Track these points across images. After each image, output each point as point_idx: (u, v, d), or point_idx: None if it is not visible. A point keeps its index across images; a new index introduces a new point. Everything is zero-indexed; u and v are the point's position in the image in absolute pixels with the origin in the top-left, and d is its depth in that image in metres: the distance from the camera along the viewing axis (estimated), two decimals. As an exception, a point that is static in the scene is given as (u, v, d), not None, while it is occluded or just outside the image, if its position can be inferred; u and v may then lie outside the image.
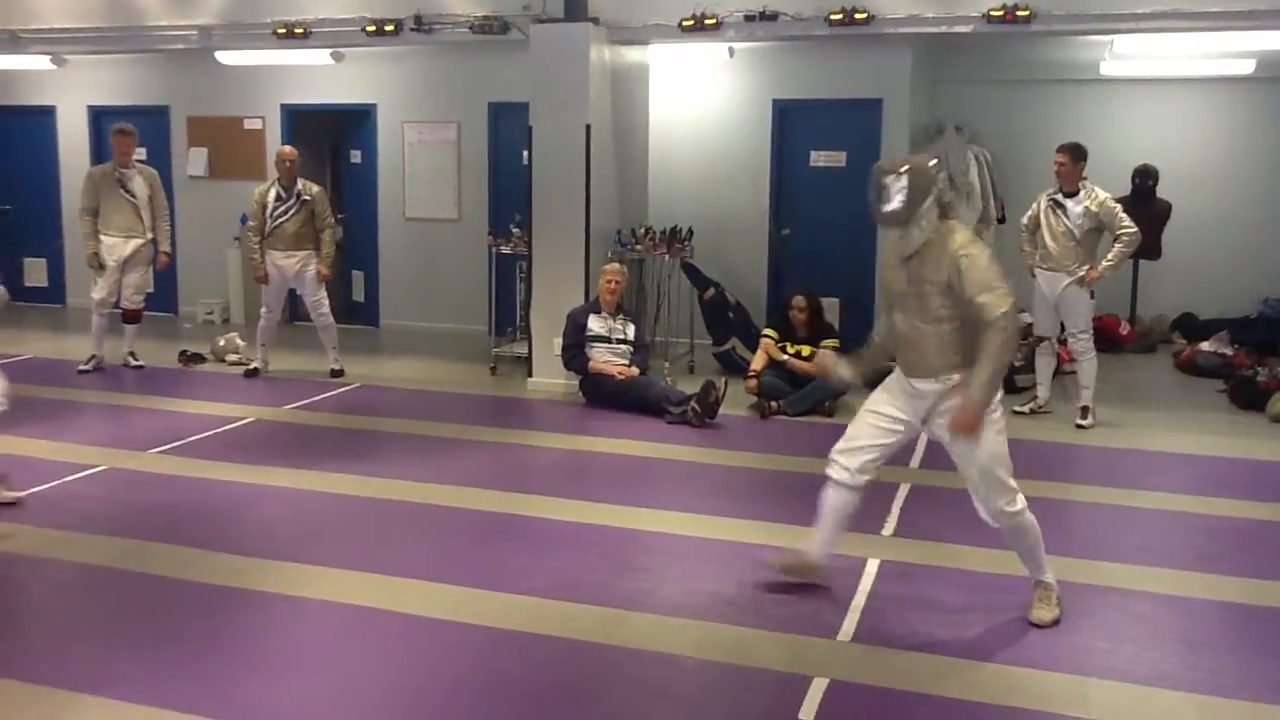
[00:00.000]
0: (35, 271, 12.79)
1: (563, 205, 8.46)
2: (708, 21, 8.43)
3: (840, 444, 4.55)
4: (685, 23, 8.49)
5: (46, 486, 6.06)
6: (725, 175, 10.25)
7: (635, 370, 8.02)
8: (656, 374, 8.42)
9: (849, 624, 4.41)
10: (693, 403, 7.53)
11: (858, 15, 8.15)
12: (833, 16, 8.20)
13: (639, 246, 8.87)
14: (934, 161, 4.33)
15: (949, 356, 4.19)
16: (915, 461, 6.63)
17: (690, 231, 9.12)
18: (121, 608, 4.61)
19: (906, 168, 4.16)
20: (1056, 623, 4.38)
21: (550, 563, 5.07)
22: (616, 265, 8.27)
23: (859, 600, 4.63)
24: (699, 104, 10.19)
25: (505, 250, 9.35)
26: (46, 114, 12.49)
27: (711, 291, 9.42)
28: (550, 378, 8.54)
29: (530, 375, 8.74)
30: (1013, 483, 4.27)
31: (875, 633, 4.33)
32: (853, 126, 9.90)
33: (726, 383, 7.72)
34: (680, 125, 10.20)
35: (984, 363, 4.05)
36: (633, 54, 9.25)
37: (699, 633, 4.34)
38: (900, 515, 5.74)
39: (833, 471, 4.53)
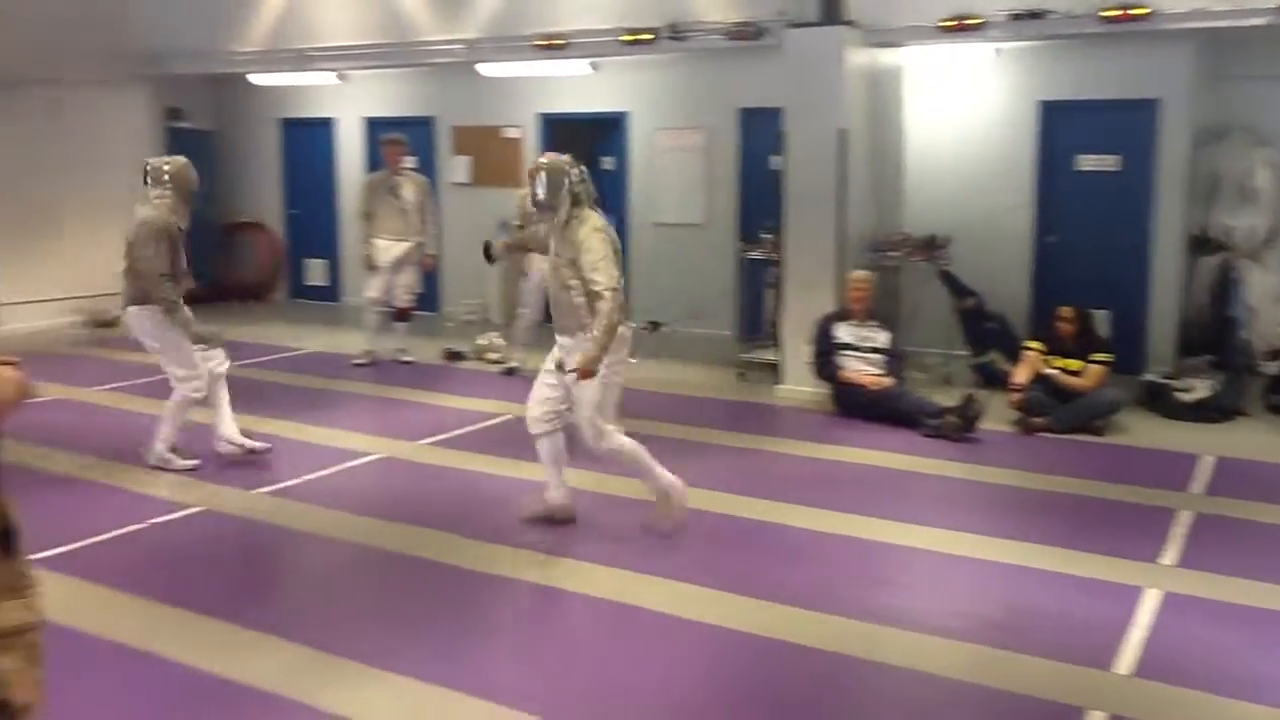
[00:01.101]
0: (315, 271, 13.75)
1: (815, 211, 8.36)
2: (970, 21, 8.14)
3: (529, 403, 5.52)
4: (945, 23, 8.23)
5: (328, 471, 6.49)
6: (986, 180, 9.86)
7: (888, 380, 7.83)
8: (910, 384, 8.19)
9: (1125, 656, 4.13)
10: (951, 415, 7.27)
11: (1135, 11, 7.68)
12: (1106, 13, 7.76)
13: (893, 253, 8.66)
14: (567, 159, 5.34)
15: (577, 318, 5.17)
16: (1199, 487, 6.17)
17: (948, 239, 8.82)
18: (395, 587, 4.87)
19: (545, 165, 5.24)
20: (674, 524, 5.40)
21: (801, 571, 5.00)
22: (864, 273, 8.11)
23: (1136, 632, 4.34)
24: (958, 106, 9.85)
25: (755, 256, 9.33)
26: (327, 125, 13.41)
27: (970, 301, 9.07)
28: (799, 385, 8.45)
29: (779, 382, 8.68)
30: (606, 426, 5.29)
31: (1154, 667, 4.04)
32: (1126, 128, 9.32)
33: (985, 396, 7.41)
34: (938, 128, 9.89)
35: (595, 325, 5.02)
36: (889, 56, 9.06)
37: (963, 655, 4.17)
38: (1184, 544, 5.34)
39: (531, 428, 5.48)
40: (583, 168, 5.35)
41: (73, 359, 10.10)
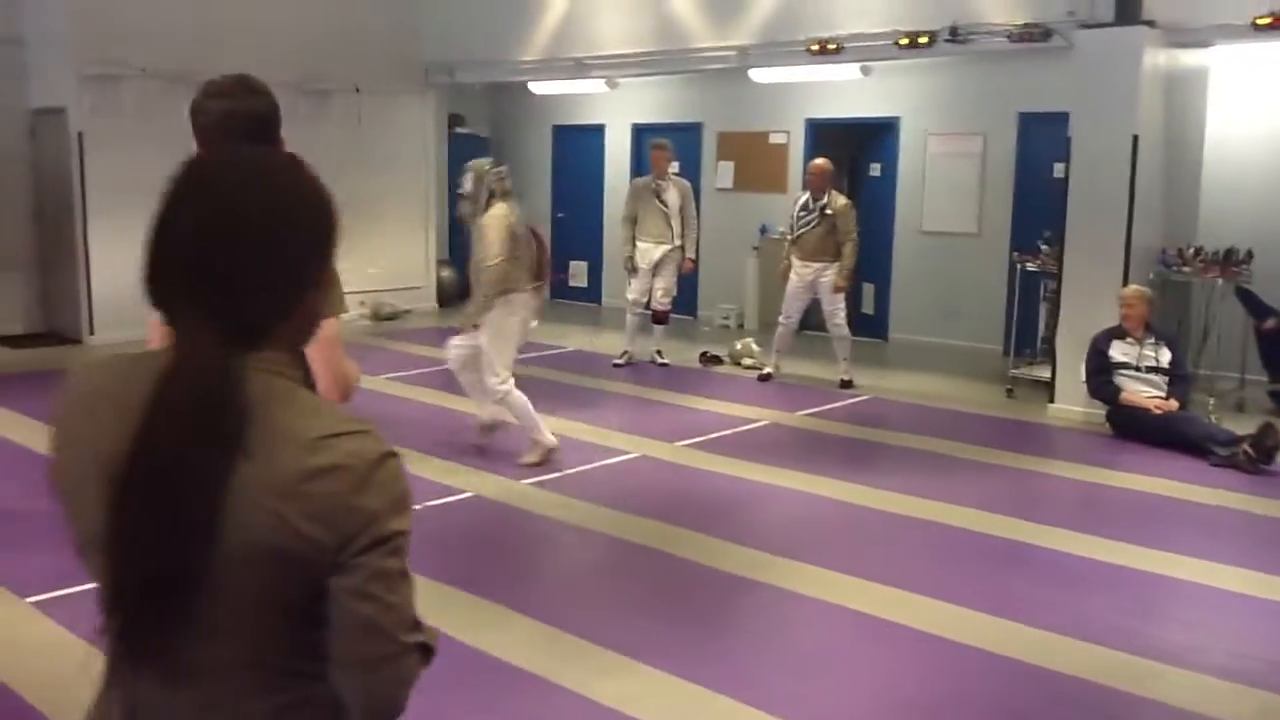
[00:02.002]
0: (578, 273, 14.18)
1: (1101, 221, 7.88)
2: (1290, 18, 7.44)
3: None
4: (1260, 20, 7.55)
5: (588, 466, 6.65)
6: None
7: (1174, 404, 7.27)
8: (1198, 409, 7.59)
9: None
10: (1245, 445, 6.68)
11: None
12: None
13: (1186, 268, 8.05)
14: (489, 161, 6.80)
15: (484, 287, 6.40)
16: None
17: (1249, 254, 8.11)
18: (649, 583, 4.92)
19: (470, 165, 6.67)
20: (539, 464, 6.47)
21: (1068, 598, 4.73)
22: (1136, 288, 7.56)
23: None
24: (1268, 110, 9.03)
25: (1030, 268, 8.89)
26: (597, 132, 13.81)
27: (1271, 322, 8.31)
28: (1073, 405, 7.99)
29: (1051, 400, 8.23)
30: (501, 372, 6.40)
31: None
32: None
33: (1287, 426, 6.77)
34: (1243, 134, 9.10)
35: (476, 290, 6.52)
36: (1190, 57, 8.42)
37: (1255, 703, 3.81)
38: None
39: (490, 392, 6.55)
40: (502, 168, 6.70)
41: (362, 349, 10.83)
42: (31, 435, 7.18)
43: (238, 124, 2.54)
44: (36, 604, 4.44)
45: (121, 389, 1.29)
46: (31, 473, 6.48)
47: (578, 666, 4.00)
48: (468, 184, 6.59)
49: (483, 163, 6.75)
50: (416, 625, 1.33)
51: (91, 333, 10.47)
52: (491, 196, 6.52)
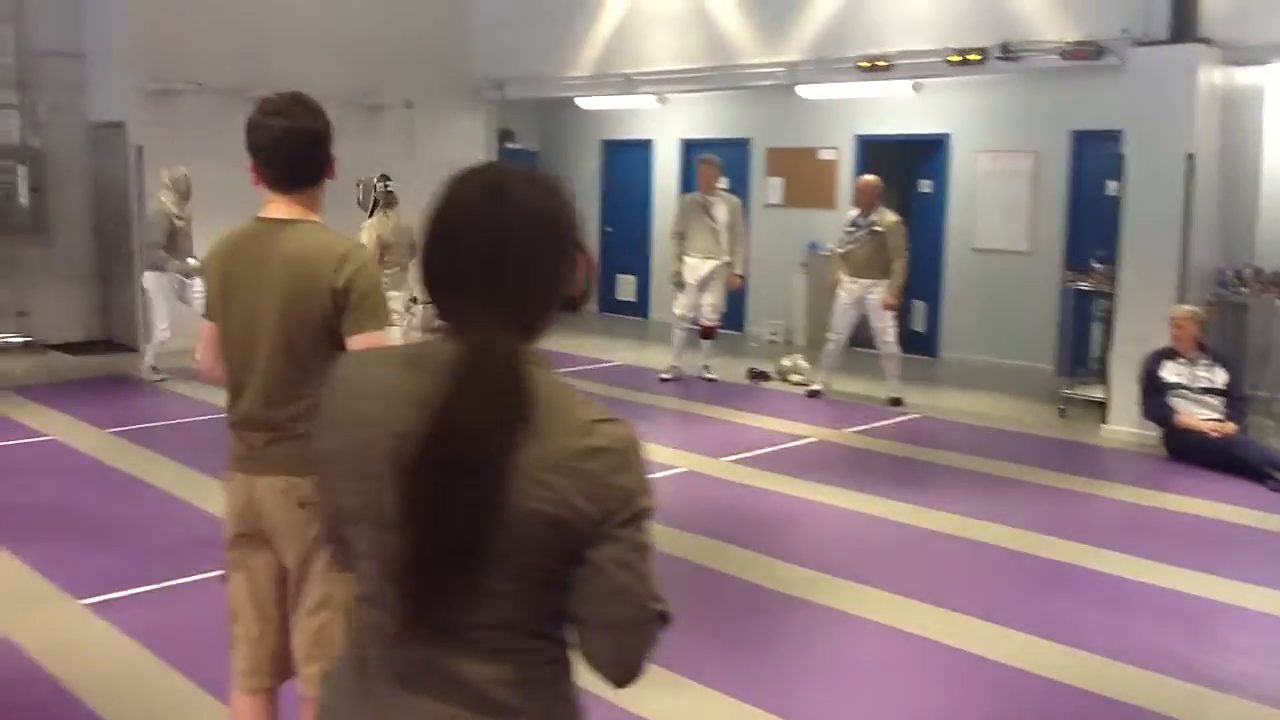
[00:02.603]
0: (625, 287, 14.22)
1: (1155, 241, 7.77)
2: (1352, 35, 7.32)
3: None
4: (1322, 38, 7.44)
5: (634, 479, 6.64)
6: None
7: (1231, 426, 7.15)
8: (1257, 432, 7.45)
9: None
10: (1305, 469, 6.55)
11: None
12: None
13: (1243, 289, 7.91)
14: (379, 176, 7.98)
15: None
16: None
17: (1309, 274, 7.96)
18: (696, 598, 4.90)
19: (361, 180, 7.81)
20: None
21: (1121, 623, 4.66)
22: (1186, 309, 7.45)
23: None
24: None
25: (1083, 287, 8.79)
26: (646, 147, 13.86)
27: (1332, 344, 8.16)
28: (1127, 426, 7.87)
29: (1104, 421, 8.12)
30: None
31: None
32: None
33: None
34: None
35: None
36: (1247, 75, 8.30)
37: (1316, 733, 3.72)
38: None
39: None
40: (388, 181, 7.83)
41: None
42: (88, 440, 7.32)
43: (295, 142, 2.62)
44: (91, 605, 4.52)
45: (399, 379, 1.45)
46: (86, 477, 6.63)
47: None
48: (359, 194, 7.77)
49: (372, 176, 7.95)
50: (658, 594, 1.45)
51: (148, 341, 10.63)
52: (375, 206, 7.64)
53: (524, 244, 1.44)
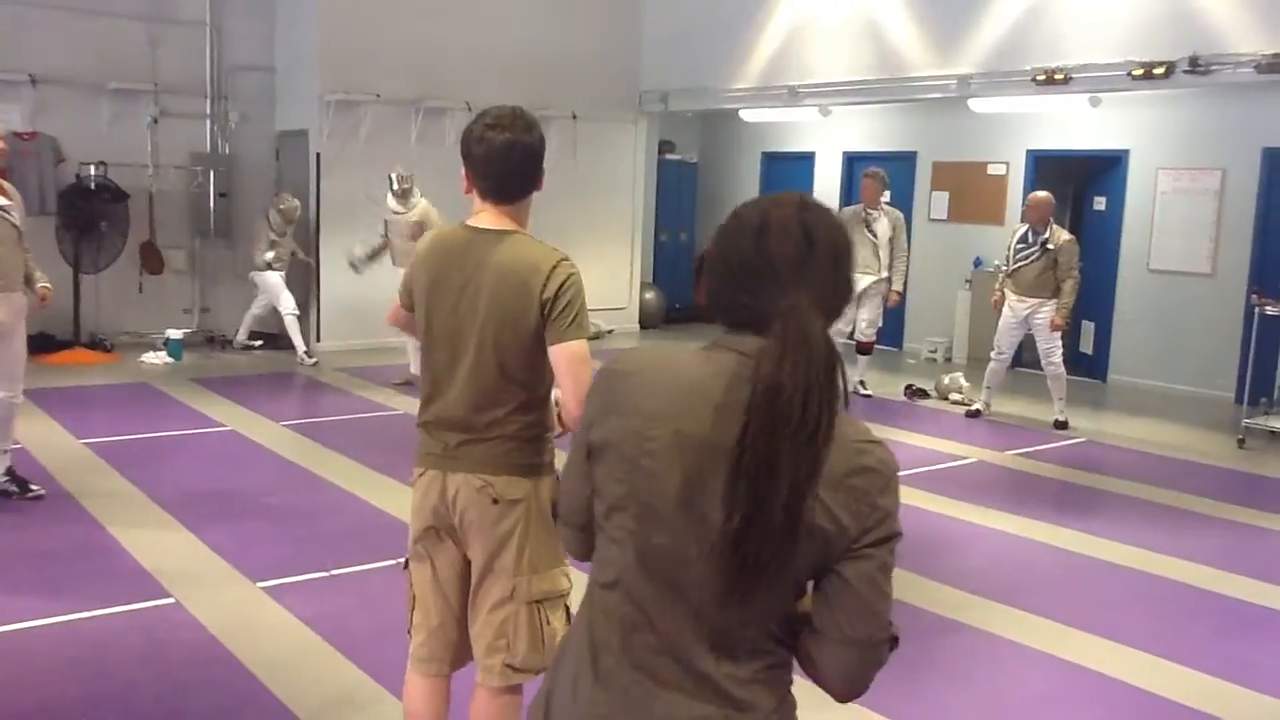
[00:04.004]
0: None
1: (1354, 264, 7.31)
2: None
3: None
4: None
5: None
6: None
7: None
8: None
9: None
10: None
11: None
12: None
13: None
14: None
15: None
16: None
17: None
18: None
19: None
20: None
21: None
22: None
23: None
24: None
25: (1270, 311, 8.31)
26: (807, 159, 13.75)
27: None
28: (1314, 460, 7.42)
29: (1289, 454, 7.68)
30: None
31: None
32: None
33: None
34: None
35: None
36: None
37: None
38: None
39: None
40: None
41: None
42: (263, 431, 7.68)
43: (514, 156, 2.72)
44: (267, 589, 4.73)
45: (687, 376, 1.51)
46: (262, 467, 6.94)
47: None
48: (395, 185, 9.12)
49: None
50: (892, 617, 1.51)
51: (319, 340, 11.12)
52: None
53: (828, 242, 1.54)
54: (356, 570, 4.98)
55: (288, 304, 10.42)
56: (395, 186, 9.18)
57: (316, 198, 11.08)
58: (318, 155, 11.04)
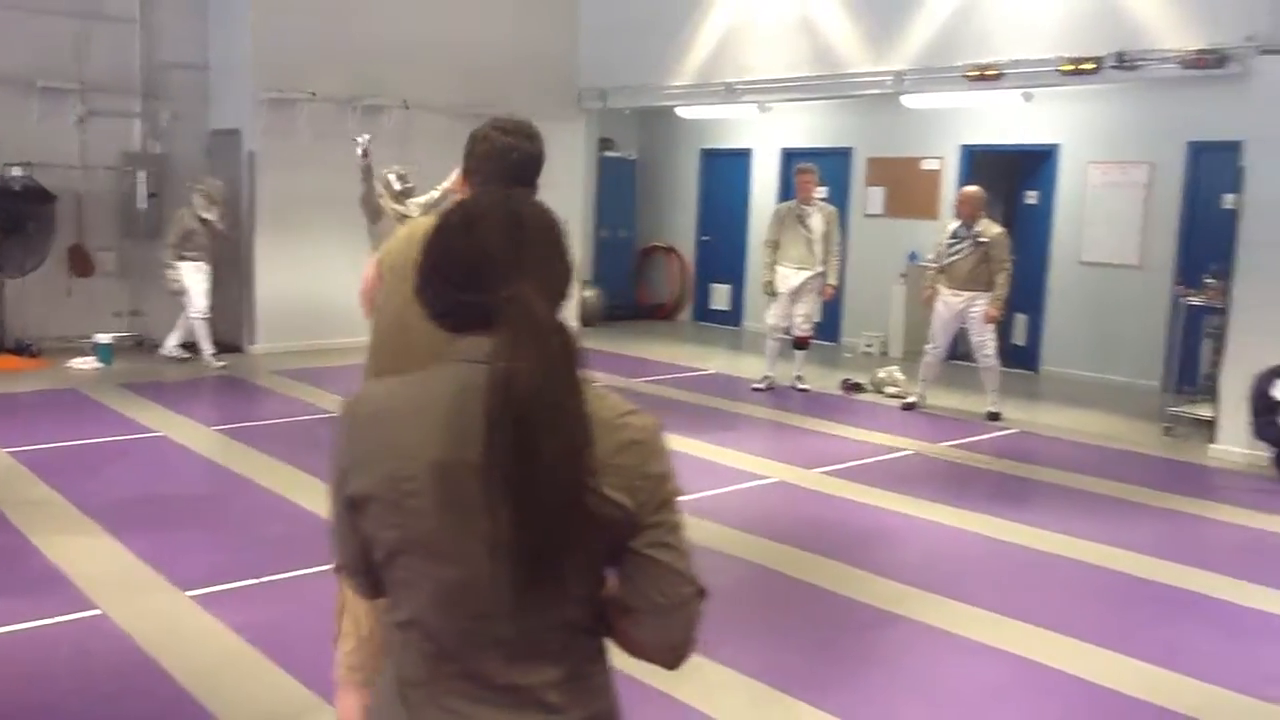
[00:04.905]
0: (720, 296, 14.20)
1: (1273, 255, 7.47)
2: None
3: None
4: None
5: (727, 490, 6.63)
6: None
7: (1350, 450, 6.85)
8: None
9: None
10: None
11: None
12: None
13: (1366, 307, 7.58)
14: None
15: None
16: None
17: None
18: (785, 610, 4.87)
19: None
20: None
21: (1233, 651, 4.49)
22: None
23: None
24: None
25: (1195, 302, 8.51)
26: (745, 156, 13.83)
27: None
28: (1236, 446, 7.60)
29: (1213, 441, 7.85)
30: None
31: None
32: None
33: None
34: None
35: None
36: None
37: None
38: None
39: None
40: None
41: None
42: (194, 437, 7.56)
43: (515, 157, 2.77)
44: (196, 597, 4.66)
45: (423, 405, 1.46)
46: (192, 472, 6.83)
47: (709, 690, 3.98)
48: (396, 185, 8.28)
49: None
50: (694, 570, 1.51)
51: (253, 342, 10.98)
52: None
53: (537, 230, 1.53)
54: (290, 576, 4.92)
55: (197, 305, 10.06)
56: (398, 187, 8.34)
57: (251, 198, 10.93)
58: (251, 154, 10.89)
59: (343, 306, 9.12)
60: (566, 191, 13.32)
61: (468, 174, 2.82)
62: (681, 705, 3.84)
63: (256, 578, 4.90)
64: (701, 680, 4.02)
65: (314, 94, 10.92)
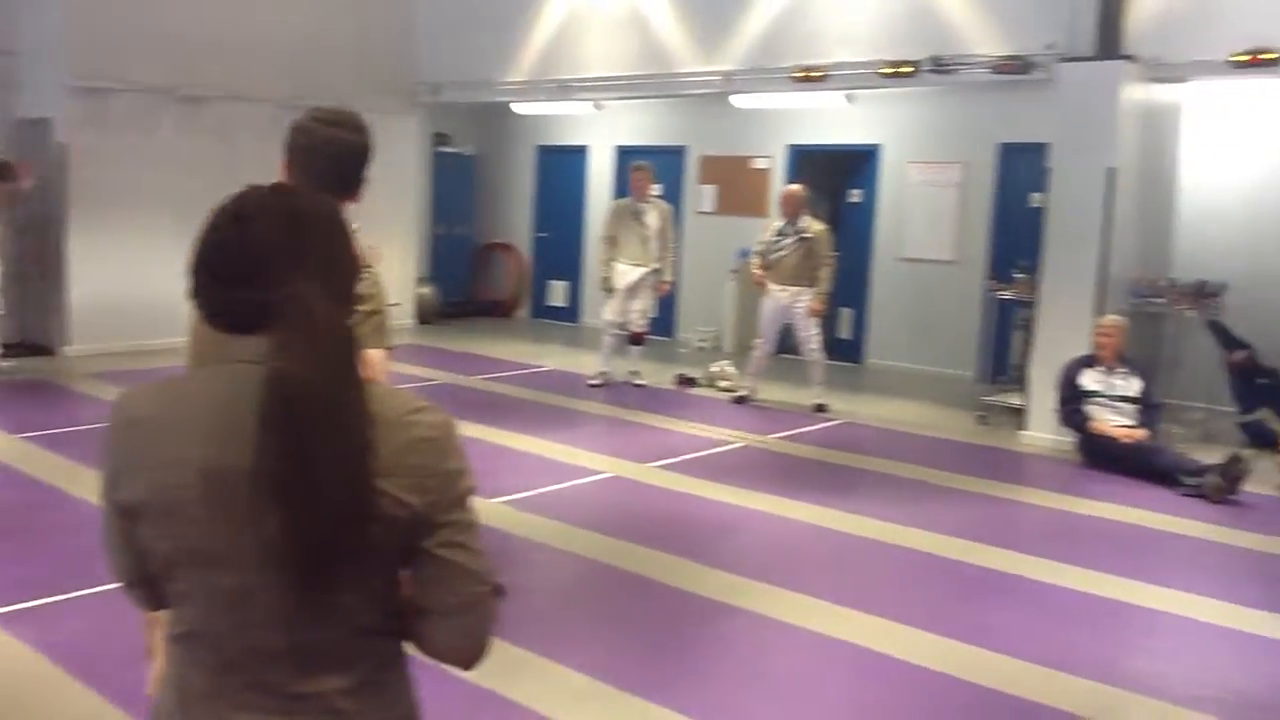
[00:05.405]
0: (557, 293, 14.21)
1: (1076, 252, 7.95)
2: (1265, 56, 7.55)
3: None
4: (1237, 58, 7.66)
5: (560, 486, 6.66)
6: (1268, 226, 9.08)
7: (1142, 433, 7.33)
8: (1167, 439, 7.65)
9: None
10: (1213, 475, 6.74)
11: None
12: None
13: (1158, 299, 8.13)
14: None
15: None
16: None
17: (1221, 286, 8.20)
18: (621, 605, 4.92)
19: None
20: None
21: (1042, 627, 4.74)
22: (1113, 318, 7.63)
23: None
24: (1241, 146, 9.15)
25: (1005, 296, 8.97)
26: (581, 153, 13.87)
27: (1241, 354, 8.41)
28: (1044, 432, 8.04)
29: (1022, 427, 8.29)
30: None
31: None
32: None
33: (1252, 456, 6.84)
34: (1217, 169, 9.21)
35: None
36: (1166, 92, 8.53)
37: (1217, 732, 3.84)
38: None
39: None
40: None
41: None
42: (2, 446, 7.14)
43: (335, 150, 2.62)
44: (-1, 614, 4.41)
45: (193, 410, 1.41)
46: (-2, 483, 6.44)
47: (543, 687, 3.99)
48: None
49: None
50: (491, 568, 1.49)
51: (67, 344, 10.43)
52: None
53: (316, 224, 1.46)
54: (100, 590, 4.69)
55: None
56: None
57: (60, 192, 10.37)
58: (62, 145, 10.33)
59: (166, 305, 8.82)
60: (401, 187, 13.14)
61: (287, 167, 2.71)
62: (519, 708, 3.84)
63: (64, 593, 4.66)
64: (539, 681, 4.03)
65: (131, 82, 10.41)
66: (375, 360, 2.50)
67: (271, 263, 1.40)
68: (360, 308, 2.50)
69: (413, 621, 1.48)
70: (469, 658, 1.51)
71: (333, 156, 2.63)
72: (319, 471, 1.31)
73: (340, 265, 1.48)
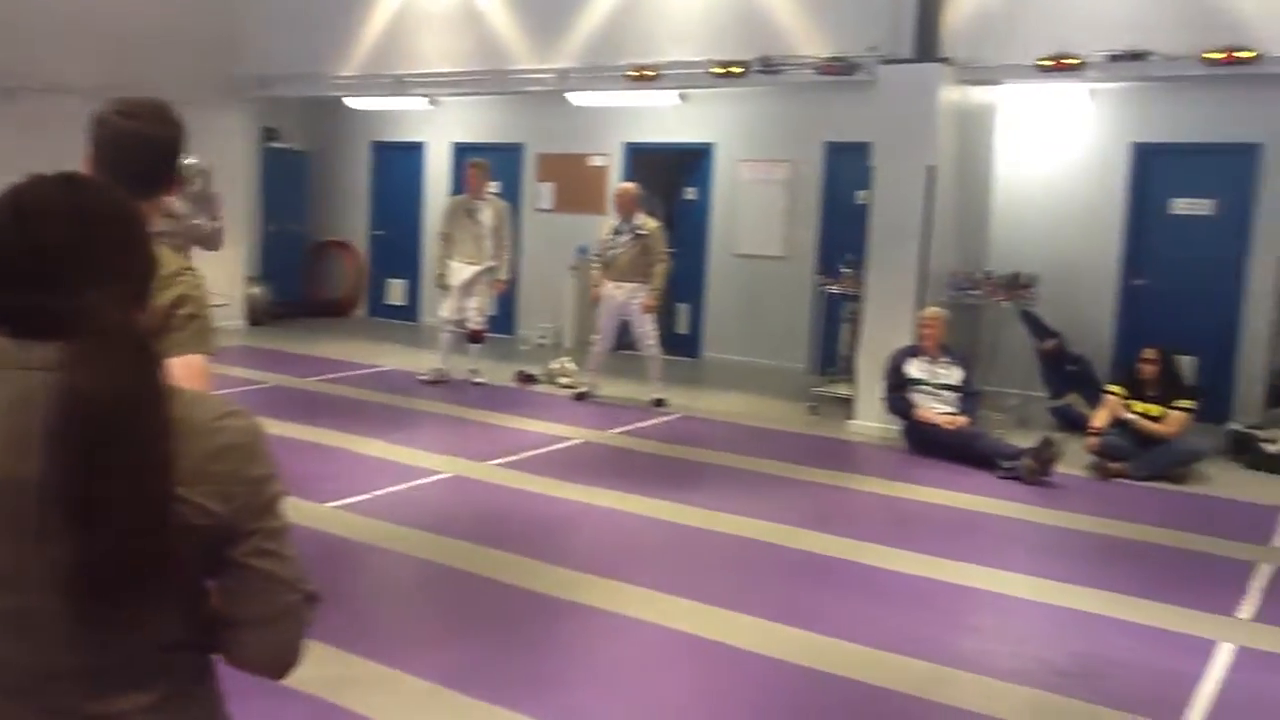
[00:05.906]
0: (395, 291, 13.99)
1: (899, 246, 8.29)
2: (1069, 61, 8.01)
3: None
4: (1043, 62, 8.12)
5: (398, 487, 6.55)
6: (1075, 221, 9.67)
7: (963, 419, 7.69)
8: (985, 424, 8.05)
9: (1195, 710, 4.00)
10: (1027, 458, 7.12)
11: (1241, 54, 7.48)
12: (1211, 55, 7.58)
13: (975, 291, 8.54)
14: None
15: None
16: (1282, 542, 5.96)
17: (1033, 278, 8.68)
18: (463, 606, 4.89)
19: None
20: None
21: (872, 610, 4.92)
22: (935, 309, 8.00)
23: (1207, 686, 4.20)
24: (1049, 145, 9.71)
25: (832, 290, 9.27)
26: (417, 149, 13.68)
27: (1051, 342, 8.91)
28: (872, 421, 8.36)
29: (851, 417, 8.59)
30: None
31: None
32: (1223, 173, 9.12)
33: (1063, 439, 7.26)
34: (1028, 167, 9.76)
35: None
36: (981, 94, 8.97)
37: (1028, 700, 4.07)
38: (1262, 599, 5.16)
39: None
40: None
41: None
42: None
43: (137, 143, 2.45)
44: None
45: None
46: None
47: (387, 697, 3.93)
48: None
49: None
50: (304, 575, 1.44)
51: None
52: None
53: (107, 224, 1.38)
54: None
55: None
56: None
57: None
58: None
59: None
60: (229, 183, 12.65)
61: (90, 161, 2.57)
62: (347, 712, 3.77)
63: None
64: (381, 691, 3.96)
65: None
66: (196, 366, 2.40)
67: (58, 266, 1.31)
68: (180, 311, 2.42)
69: (221, 633, 1.43)
70: (281, 667, 1.46)
71: (134, 149, 2.49)
72: (111, 489, 1.24)
73: (135, 266, 1.40)
